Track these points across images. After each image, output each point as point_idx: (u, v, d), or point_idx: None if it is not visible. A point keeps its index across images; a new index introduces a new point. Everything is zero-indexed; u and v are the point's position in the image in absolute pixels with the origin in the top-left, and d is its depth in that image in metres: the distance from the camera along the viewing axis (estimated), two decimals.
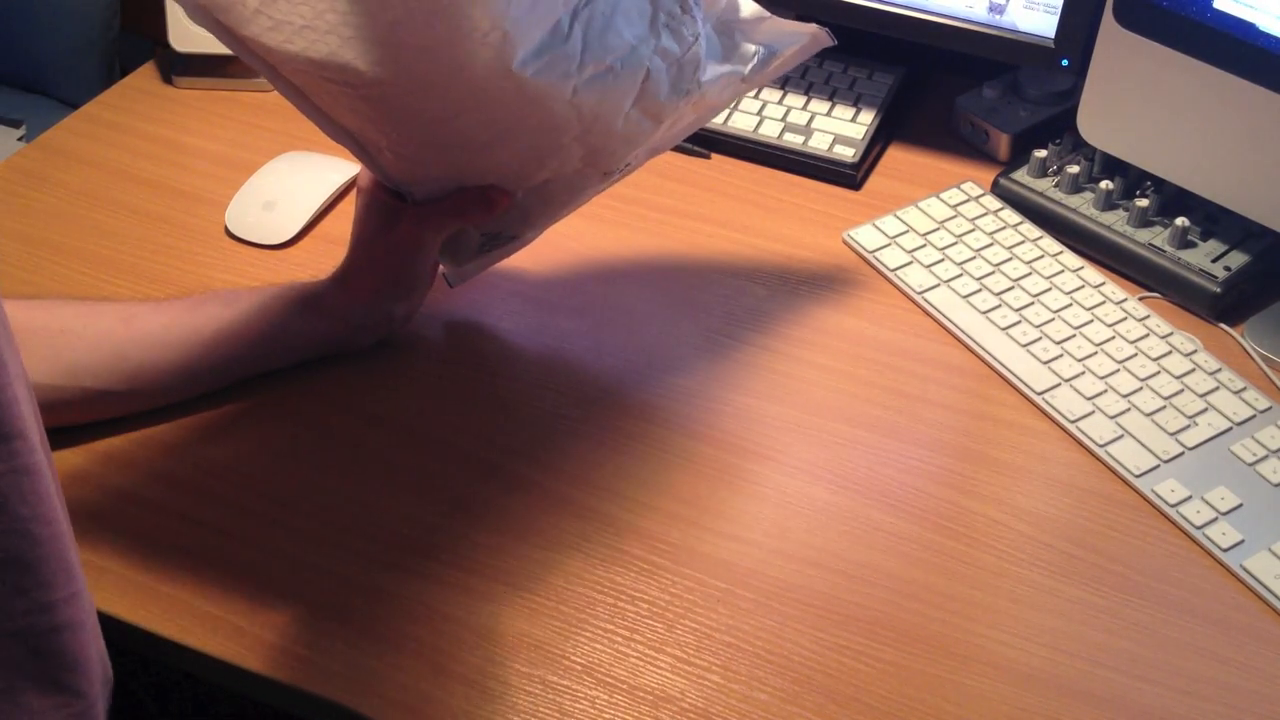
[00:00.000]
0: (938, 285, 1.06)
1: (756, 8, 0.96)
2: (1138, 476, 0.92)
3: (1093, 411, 0.96)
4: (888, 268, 1.08)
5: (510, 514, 0.89)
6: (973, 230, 1.11)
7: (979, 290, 1.06)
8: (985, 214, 1.13)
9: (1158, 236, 1.08)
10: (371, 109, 0.83)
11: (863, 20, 1.20)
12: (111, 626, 0.80)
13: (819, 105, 1.23)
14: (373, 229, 0.95)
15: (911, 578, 0.86)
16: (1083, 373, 0.99)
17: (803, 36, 0.98)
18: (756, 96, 1.23)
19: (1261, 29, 0.96)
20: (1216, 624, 0.84)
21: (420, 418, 0.95)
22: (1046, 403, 0.97)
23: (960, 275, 1.07)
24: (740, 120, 1.21)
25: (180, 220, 1.13)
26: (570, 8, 0.81)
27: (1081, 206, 1.12)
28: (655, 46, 0.87)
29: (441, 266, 1.01)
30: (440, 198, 0.92)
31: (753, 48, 0.96)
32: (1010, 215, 1.13)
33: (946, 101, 1.25)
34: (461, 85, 0.81)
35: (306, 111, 0.87)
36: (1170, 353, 1.00)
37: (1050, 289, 1.06)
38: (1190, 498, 0.90)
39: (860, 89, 1.24)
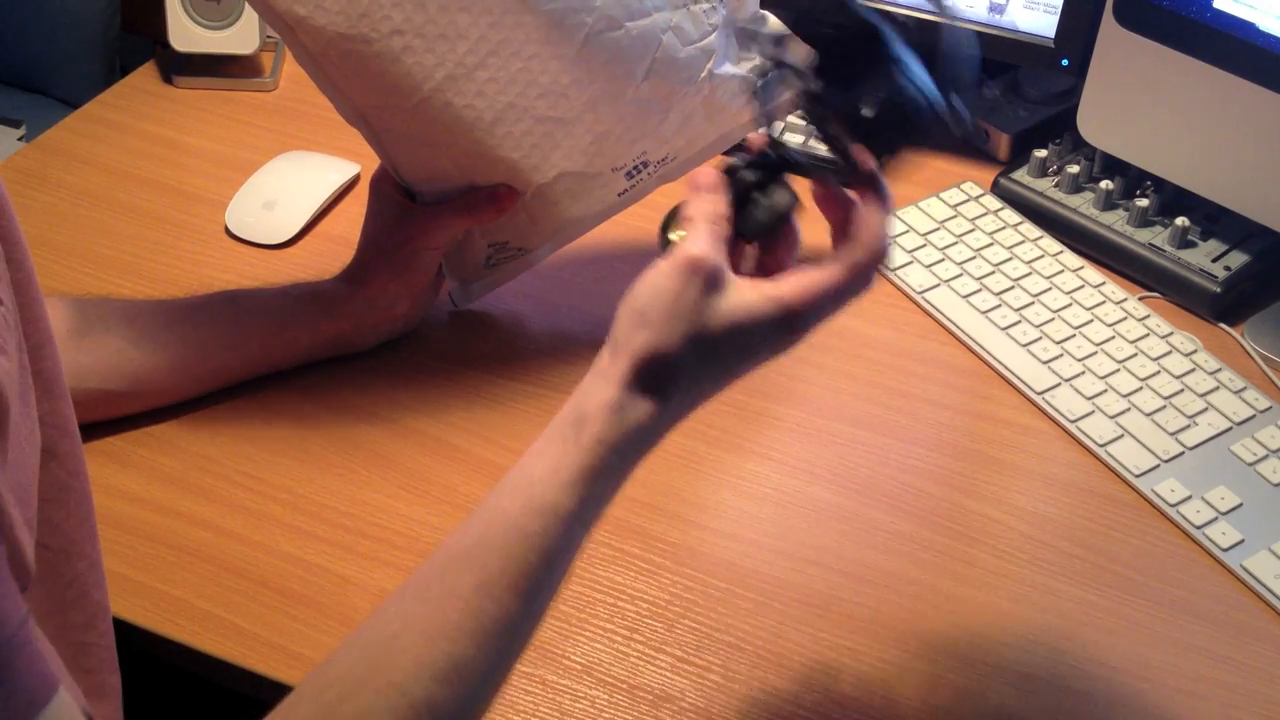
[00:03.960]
0: (938, 285, 1.06)
1: (782, 25, 0.97)
2: (1138, 476, 0.92)
3: (1093, 411, 0.96)
4: (888, 267, 1.08)
5: None
6: (973, 230, 1.11)
7: (979, 290, 1.06)
8: (985, 214, 1.13)
9: (1158, 236, 1.08)
10: (385, 74, 0.84)
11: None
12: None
13: None
14: (382, 227, 0.96)
15: (911, 578, 0.86)
16: (1083, 372, 0.99)
17: None
18: None
19: (1261, 29, 0.96)
20: (1216, 624, 0.84)
21: (421, 417, 0.95)
22: (1046, 402, 0.97)
23: (960, 275, 1.07)
24: None
25: (180, 220, 1.13)
26: None
27: (1081, 206, 1.12)
28: (672, 22, 0.89)
29: (448, 287, 1.02)
30: (450, 197, 0.93)
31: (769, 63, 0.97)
32: (1010, 215, 1.13)
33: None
34: (477, 23, 0.83)
35: (323, 87, 0.88)
36: (1170, 352, 1.00)
37: (1050, 289, 1.06)
38: (1190, 497, 0.90)
39: None
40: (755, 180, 0.66)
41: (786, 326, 0.62)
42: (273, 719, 0.58)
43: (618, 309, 0.63)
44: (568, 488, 0.60)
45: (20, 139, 1.60)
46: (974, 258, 1.09)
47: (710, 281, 0.61)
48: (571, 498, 0.60)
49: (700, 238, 0.62)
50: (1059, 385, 0.98)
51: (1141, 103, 1.06)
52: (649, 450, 0.63)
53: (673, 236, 0.66)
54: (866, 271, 0.64)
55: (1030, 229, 1.11)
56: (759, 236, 0.66)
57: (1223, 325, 1.05)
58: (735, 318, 0.61)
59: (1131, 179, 1.11)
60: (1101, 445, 0.94)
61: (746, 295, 0.62)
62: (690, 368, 0.61)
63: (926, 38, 0.64)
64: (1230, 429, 0.95)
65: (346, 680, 0.59)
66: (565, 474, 0.60)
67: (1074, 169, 1.12)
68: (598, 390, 0.61)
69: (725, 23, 0.94)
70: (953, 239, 1.10)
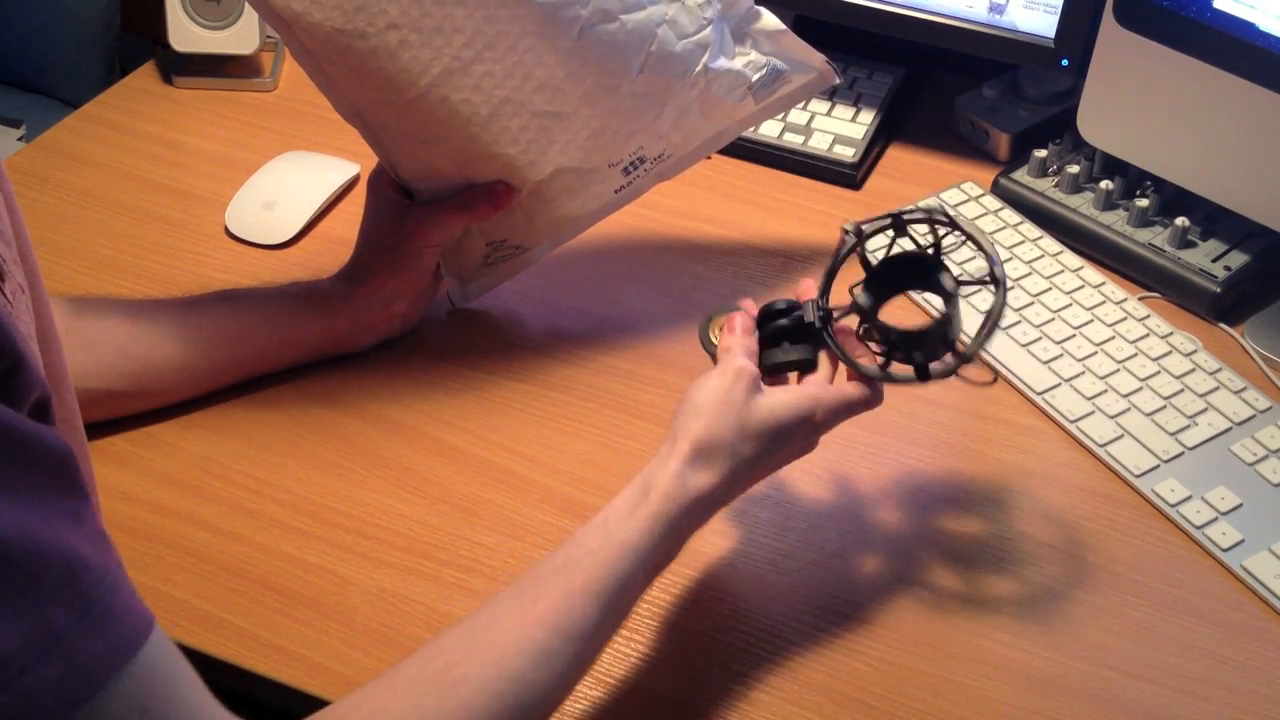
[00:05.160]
0: None
1: (776, 21, 0.97)
2: (1138, 476, 0.92)
3: (1093, 411, 0.96)
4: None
5: (510, 513, 0.89)
6: None
7: (979, 290, 1.05)
8: (985, 214, 1.13)
9: (1158, 236, 1.08)
10: (381, 69, 0.84)
11: (863, 20, 1.20)
12: None
13: (819, 105, 1.23)
14: (380, 225, 0.96)
15: (911, 578, 0.86)
16: (1083, 372, 0.99)
17: (811, 68, 1.00)
18: None
19: (1261, 29, 0.96)
20: (1216, 624, 0.84)
21: (421, 417, 0.95)
22: (1046, 403, 0.97)
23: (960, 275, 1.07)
24: None
25: (180, 220, 1.13)
26: None
27: (1081, 206, 1.12)
28: (667, 16, 0.89)
29: (447, 286, 1.02)
30: (447, 195, 0.93)
31: (763, 58, 0.97)
32: (1010, 215, 1.13)
33: (946, 101, 1.25)
34: (473, 16, 0.83)
35: (320, 84, 0.88)
36: (1170, 353, 1.00)
37: (1050, 289, 1.06)
38: (1190, 498, 0.90)
39: (860, 89, 1.24)
40: (786, 327, 0.80)
41: (810, 421, 0.77)
42: (384, 678, 0.67)
43: (677, 408, 0.76)
44: (638, 531, 0.72)
45: (20, 139, 1.60)
46: (974, 258, 1.09)
47: (753, 384, 0.76)
48: (640, 537, 0.72)
49: (740, 355, 0.78)
50: (1059, 385, 0.98)
51: (1141, 103, 1.06)
52: (705, 519, 0.76)
53: (713, 337, 0.81)
54: (868, 404, 0.80)
55: (1030, 229, 1.11)
56: (770, 372, 0.80)
57: (1223, 325, 1.05)
58: (773, 410, 0.76)
59: (1131, 179, 1.11)
60: (1101, 445, 0.94)
61: (781, 394, 0.77)
62: (736, 448, 0.75)
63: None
64: (1230, 429, 0.95)
65: (451, 653, 0.67)
66: (637, 520, 0.72)
67: (1074, 169, 1.12)
68: (662, 467, 0.74)
69: (720, 17, 0.94)
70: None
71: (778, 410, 0.76)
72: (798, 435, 0.77)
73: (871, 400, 0.79)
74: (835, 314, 0.80)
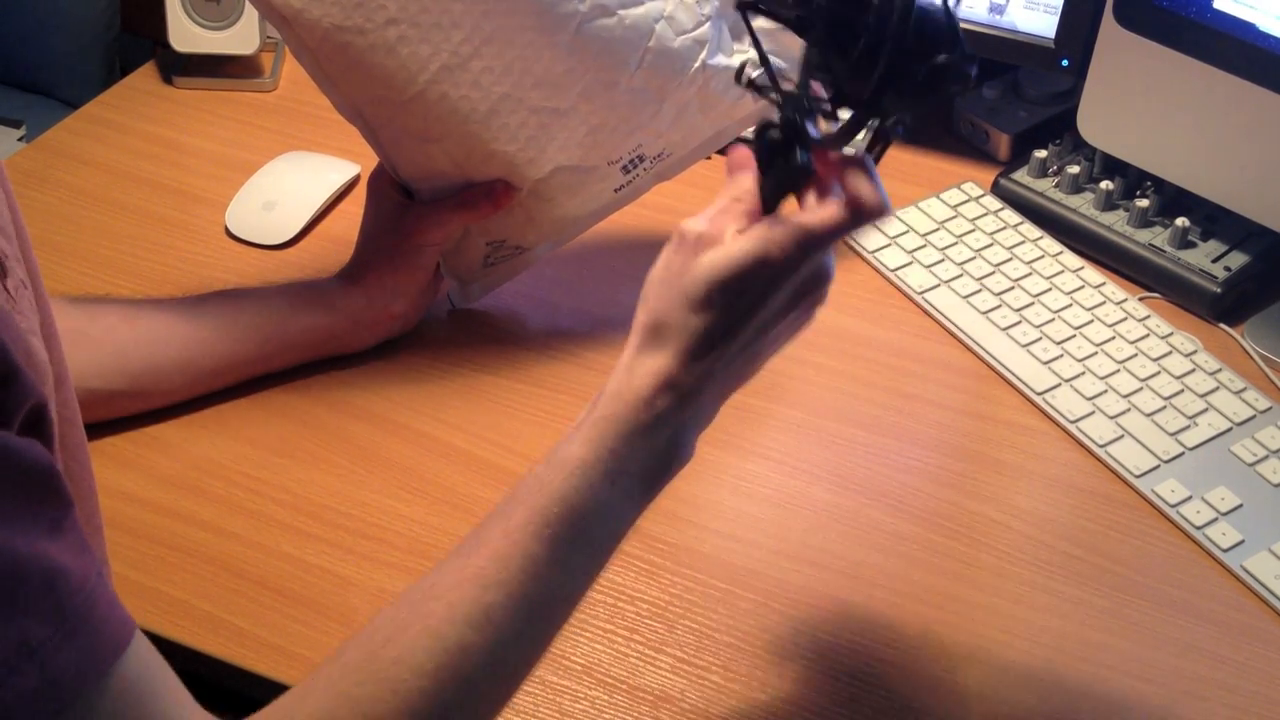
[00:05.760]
0: (938, 285, 1.06)
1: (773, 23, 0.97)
2: (1138, 476, 0.92)
3: (1093, 412, 0.96)
4: (888, 268, 1.08)
5: None
6: (973, 230, 1.11)
7: (979, 290, 1.06)
8: (985, 214, 1.13)
9: (1158, 236, 1.08)
10: (380, 66, 0.84)
11: None
12: None
13: None
14: (380, 224, 0.96)
15: (911, 578, 0.86)
16: (1083, 373, 0.99)
17: None
18: None
19: (1261, 29, 0.96)
20: (1216, 624, 0.84)
21: (421, 418, 0.95)
22: (1046, 403, 0.97)
23: (960, 275, 1.07)
24: None
25: (180, 220, 1.13)
26: None
27: (1081, 207, 1.12)
28: (665, 12, 0.90)
29: (447, 287, 1.02)
30: (447, 194, 0.93)
31: None
32: (1010, 215, 1.13)
33: (946, 101, 1.25)
34: (471, 11, 0.84)
35: (320, 83, 0.88)
36: (1170, 353, 1.00)
37: (1050, 289, 1.06)
38: (1190, 498, 0.90)
39: None
40: (779, 147, 0.66)
41: (768, 264, 0.63)
42: (328, 663, 0.63)
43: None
44: (584, 442, 0.63)
45: (20, 139, 1.60)
46: (974, 258, 1.09)
47: (691, 247, 0.64)
48: (586, 449, 0.63)
49: (702, 215, 0.65)
50: (1059, 386, 0.98)
51: (1141, 103, 1.06)
52: (678, 414, 0.64)
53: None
54: (845, 213, 0.65)
55: (1030, 229, 1.11)
56: (772, 206, 0.66)
57: (1223, 325, 1.05)
58: (714, 264, 0.63)
59: (1131, 179, 1.11)
60: (1101, 446, 0.94)
61: (730, 244, 0.63)
62: (686, 322, 0.63)
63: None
64: (1230, 429, 0.95)
65: (391, 624, 0.62)
66: (582, 430, 0.64)
67: (1074, 169, 1.12)
68: (613, 369, 0.66)
69: (718, 14, 0.94)
70: (953, 239, 1.10)
71: (720, 263, 0.62)
72: (764, 287, 0.63)
73: (863, 214, 0.65)
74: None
